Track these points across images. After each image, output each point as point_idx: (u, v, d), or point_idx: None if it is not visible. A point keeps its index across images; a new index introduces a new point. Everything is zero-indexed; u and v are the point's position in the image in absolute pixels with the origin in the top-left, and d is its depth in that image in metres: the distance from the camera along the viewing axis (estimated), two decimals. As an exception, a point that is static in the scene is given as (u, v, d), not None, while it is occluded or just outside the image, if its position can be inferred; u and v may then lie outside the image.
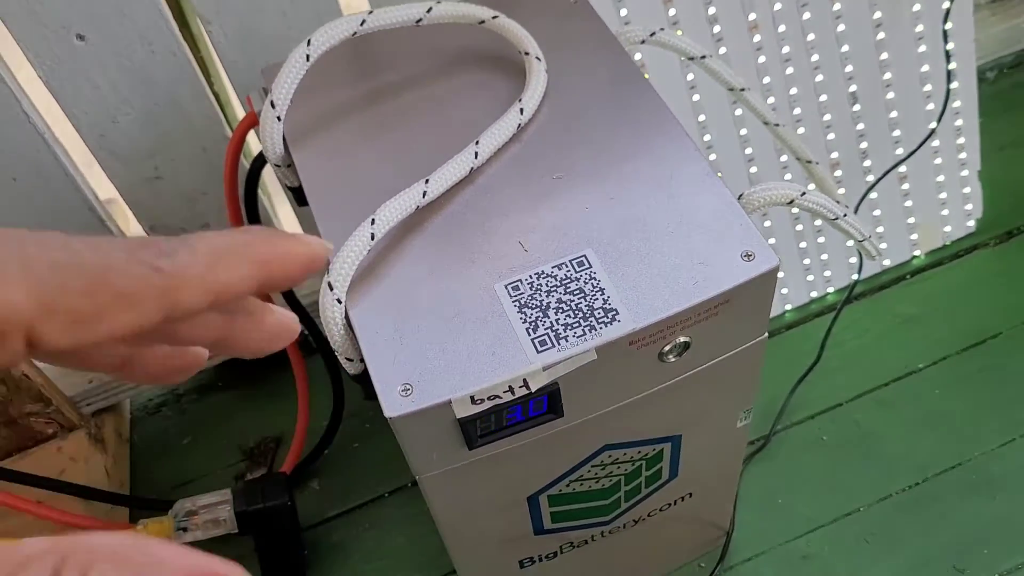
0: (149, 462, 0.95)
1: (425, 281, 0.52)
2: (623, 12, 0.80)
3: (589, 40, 0.64)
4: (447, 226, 0.55)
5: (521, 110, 0.58)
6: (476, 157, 0.56)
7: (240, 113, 0.85)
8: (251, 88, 0.78)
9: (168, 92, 0.76)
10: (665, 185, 0.55)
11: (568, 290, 0.50)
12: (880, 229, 0.97)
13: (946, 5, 0.87)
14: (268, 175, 0.88)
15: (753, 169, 0.90)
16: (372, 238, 0.52)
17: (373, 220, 0.52)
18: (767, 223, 0.93)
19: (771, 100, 0.88)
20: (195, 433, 0.96)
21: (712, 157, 0.88)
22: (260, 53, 0.77)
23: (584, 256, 0.52)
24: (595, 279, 0.51)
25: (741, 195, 0.55)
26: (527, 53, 0.61)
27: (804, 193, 0.57)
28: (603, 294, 0.50)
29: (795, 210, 0.94)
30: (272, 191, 0.99)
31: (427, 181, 0.54)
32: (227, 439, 0.95)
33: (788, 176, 0.92)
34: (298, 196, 0.63)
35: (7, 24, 0.67)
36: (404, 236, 0.55)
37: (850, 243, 0.97)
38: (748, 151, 0.89)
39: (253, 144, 0.71)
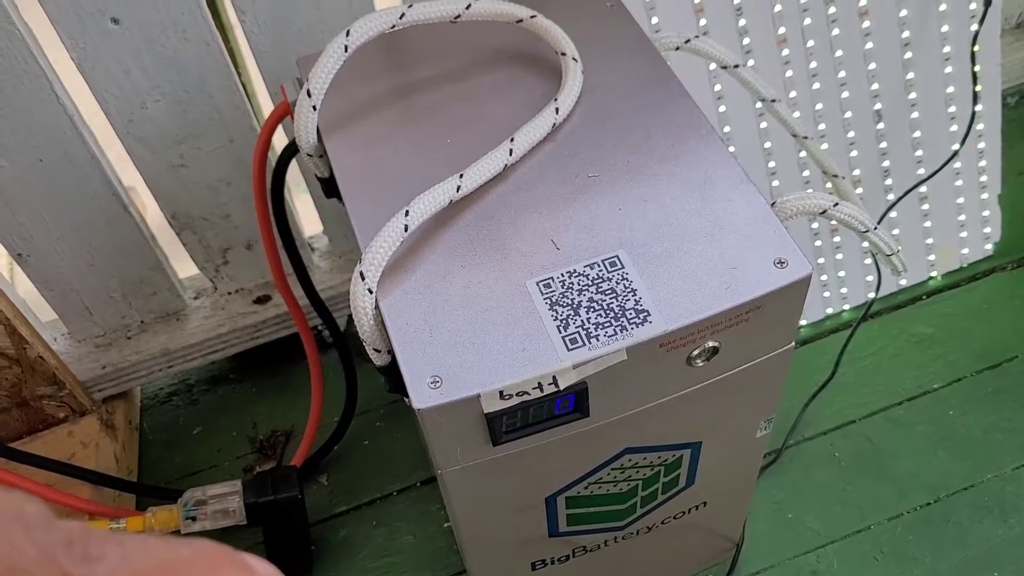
0: (158, 450, 0.94)
1: (456, 275, 0.52)
2: (654, 20, 0.81)
3: (624, 43, 0.64)
4: (480, 221, 0.55)
5: (557, 109, 0.58)
6: (511, 154, 0.56)
7: (267, 105, 0.85)
8: (281, 78, 0.79)
9: (198, 81, 0.76)
10: (699, 188, 0.55)
11: (600, 290, 0.50)
12: (899, 249, 0.97)
13: (974, 27, 0.88)
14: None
15: (775, 183, 0.90)
16: (406, 229, 0.52)
17: (407, 212, 0.52)
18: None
19: (796, 114, 0.88)
20: (205, 423, 0.96)
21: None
22: (292, 44, 0.77)
23: (617, 256, 0.52)
24: (627, 279, 0.51)
25: (775, 202, 0.55)
26: (563, 54, 0.61)
27: (837, 204, 0.57)
28: (635, 295, 0.50)
29: (815, 225, 0.94)
30: (291, 182, 0.99)
31: (461, 176, 0.54)
32: (237, 430, 0.95)
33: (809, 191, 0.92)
34: (327, 187, 0.63)
35: (43, 5, 0.67)
36: (436, 229, 0.54)
37: (868, 261, 0.97)
38: (771, 164, 0.89)
39: (276, 139, 0.71)
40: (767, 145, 0.88)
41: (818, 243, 0.95)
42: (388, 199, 0.55)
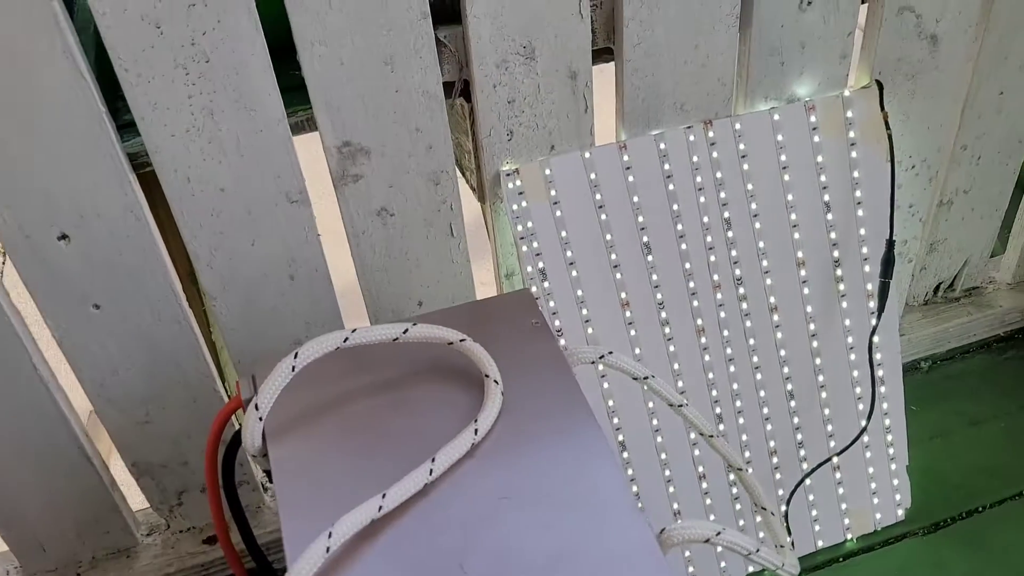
0: None
1: (372, 596, 0.58)
2: (590, 331, 0.90)
3: (544, 363, 0.72)
4: (399, 540, 0.61)
5: (476, 431, 0.66)
6: (431, 474, 0.63)
7: (232, 370, 0.93)
8: (247, 351, 0.87)
9: (169, 353, 0.84)
10: (597, 518, 0.62)
11: (498, 618, 0.56)
12: (815, 513, 1.04)
13: (873, 323, 0.98)
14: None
15: (671, 488, 0.98)
16: (327, 551, 0.58)
17: (330, 534, 0.58)
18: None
19: (714, 393, 0.96)
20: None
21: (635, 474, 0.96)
22: (258, 323, 0.85)
23: (516, 583, 0.58)
24: (523, 609, 0.57)
25: (663, 530, 0.62)
26: (487, 376, 0.69)
27: (720, 533, 0.64)
28: (528, 626, 0.56)
29: (735, 490, 1.01)
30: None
31: (384, 496, 0.61)
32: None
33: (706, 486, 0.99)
34: (270, 475, 0.70)
35: (35, 297, 0.76)
36: (359, 544, 0.61)
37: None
38: (667, 473, 0.97)
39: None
40: (663, 457, 0.96)
41: (738, 507, 1.01)
42: (318, 511, 0.61)
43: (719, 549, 1.02)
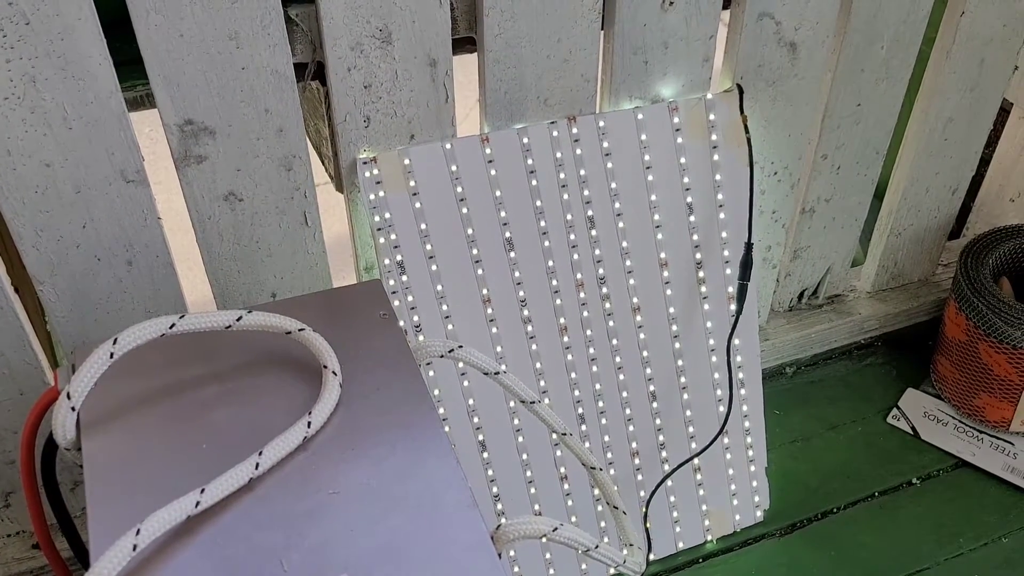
0: None
1: (181, 598, 0.54)
2: (450, 328, 0.88)
3: (389, 355, 0.70)
4: (217, 537, 0.57)
5: (309, 423, 0.63)
6: (257, 468, 0.60)
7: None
8: (80, 338, 0.82)
9: (-11, 341, 0.78)
10: (429, 512, 0.59)
11: (316, 618, 0.53)
12: (675, 514, 1.04)
13: (732, 324, 0.99)
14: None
15: (533, 490, 0.97)
16: (134, 548, 0.54)
17: (138, 531, 0.54)
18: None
19: (576, 393, 0.96)
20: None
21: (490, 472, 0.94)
22: (91, 310, 0.80)
23: (339, 582, 0.55)
24: (343, 609, 0.54)
25: (499, 526, 0.60)
26: (325, 367, 0.66)
27: (556, 528, 0.62)
28: (348, 626, 0.53)
29: (596, 491, 1.00)
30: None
31: (203, 491, 0.57)
32: None
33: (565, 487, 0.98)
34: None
35: None
36: (173, 542, 0.57)
37: (649, 525, 1.03)
38: (529, 474, 0.96)
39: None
40: (524, 457, 0.95)
41: (600, 508, 1.01)
42: (129, 508, 0.57)
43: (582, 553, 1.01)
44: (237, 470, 0.59)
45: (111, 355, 0.61)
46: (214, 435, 0.63)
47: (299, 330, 0.67)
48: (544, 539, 0.62)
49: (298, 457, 0.62)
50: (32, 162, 0.71)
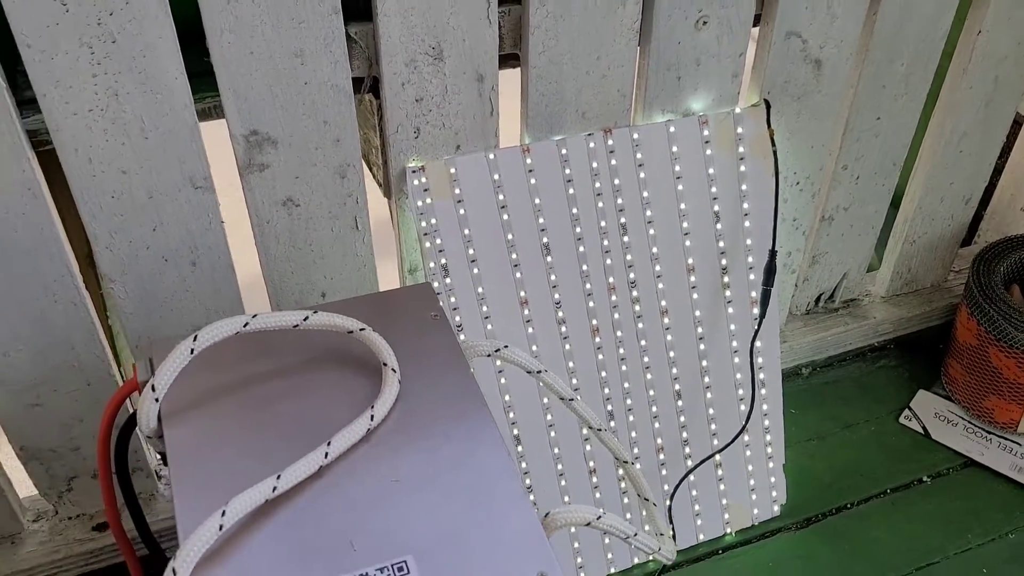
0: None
1: (262, 572, 0.59)
2: (489, 327, 0.93)
3: (441, 354, 0.75)
4: (292, 519, 0.62)
5: (372, 416, 0.68)
6: (327, 456, 0.65)
7: (128, 350, 0.92)
8: (144, 333, 0.87)
9: (63, 335, 0.83)
10: (484, 502, 0.64)
11: (386, 593, 0.58)
12: (697, 507, 1.10)
13: (755, 327, 1.04)
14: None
15: (563, 482, 1.02)
16: (220, 528, 0.59)
17: (224, 512, 0.59)
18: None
19: (606, 391, 1.01)
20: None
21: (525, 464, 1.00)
22: (156, 308, 0.85)
23: (405, 561, 0.60)
24: (410, 586, 0.59)
25: (548, 514, 0.66)
26: (385, 364, 0.71)
27: (600, 517, 0.67)
28: (415, 601, 0.58)
29: (624, 484, 1.05)
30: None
31: (279, 477, 0.62)
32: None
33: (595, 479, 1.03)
34: (164, 458, 0.70)
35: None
36: (252, 523, 0.62)
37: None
38: (560, 467, 1.01)
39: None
40: (556, 451, 1.00)
41: (626, 500, 1.06)
42: (212, 491, 0.62)
43: (607, 540, 1.06)
44: (309, 458, 0.64)
45: (191, 351, 0.66)
46: (282, 425, 0.68)
47: (360, 329, 0.72)
48: (588, 526, 0.67)
49: (362, 447, 0.68)
50: (111, 169, 0.76)
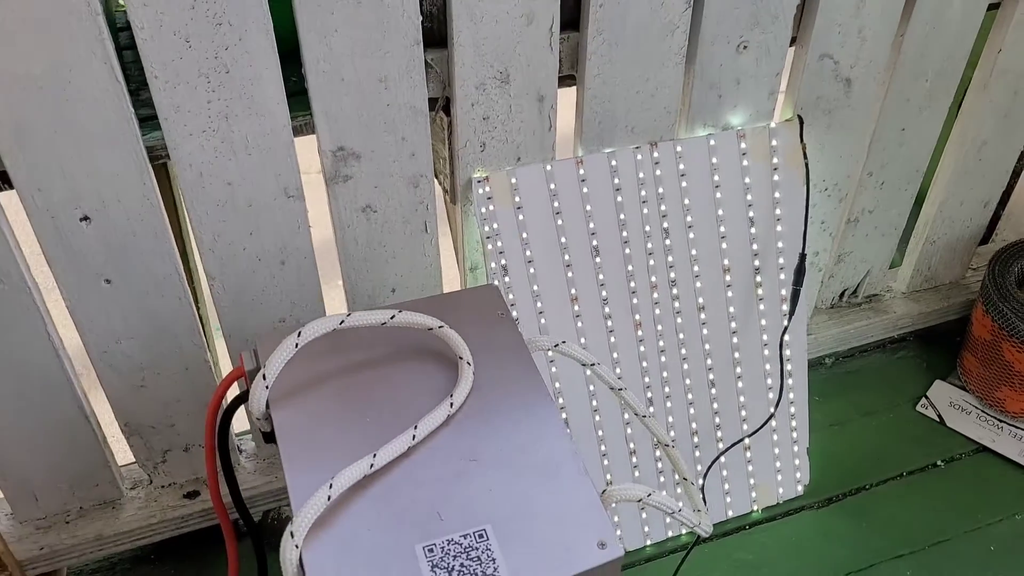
0: (77, 626, 1.05)
1: (363, 537, 0.69)
2: (543, 322, 1.03)
3: (508, 348, 0.85)
4: (386, 492, 0.73)
5: (452, 404, 0.78)
6: (414, 438, 0.75)
7: (220, 341, 1.03)
8: (235, 325, 0.97)
9: (168, 326, 0.93)
10: (550, 479, 0.74)
11: (469, 556, 0.69)
12: (727, 486, 1.19)
13: (784, 323, 1.13)
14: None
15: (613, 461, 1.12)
16: (329, 499, 0.69)
17: (331, 484, 0.70)
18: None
19: (647, 380, 1.10)
20: (123, 602, 1.08)
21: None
22: (248, 303, 0.96)
23: (484, 530, 0.70)
24: (490, 550, 0.69)
25: (604, 490, 0.75)
26: (461, 357, 0.81)
27: (650, 494, 0.77)
28: (494, 563, 0.68)
29: (660, 464, 1.15)
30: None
31: (375, 455, 0.73)
32: (153, 611, 1.07)
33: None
34: (266, 437, 0.81)
35: (53, 269, 0.85)
36: (352, 495, 0.72)
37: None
38: (603, 448, 1.11)
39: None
40: (600, 434, 1.09)
41: (662, 479, 1.16)
42: (317, 466, 0.72)
43: (644, 515, 1.16)
44: (399, 439, 0.74)
45: (296, 344, 0.77)
46: (373, 410, 0.79)
47: (439, 327, 0.82)
48: (639, 502, 0.77)
49: (443, 431, 0.78)
50: (218, 181, 0.86)
